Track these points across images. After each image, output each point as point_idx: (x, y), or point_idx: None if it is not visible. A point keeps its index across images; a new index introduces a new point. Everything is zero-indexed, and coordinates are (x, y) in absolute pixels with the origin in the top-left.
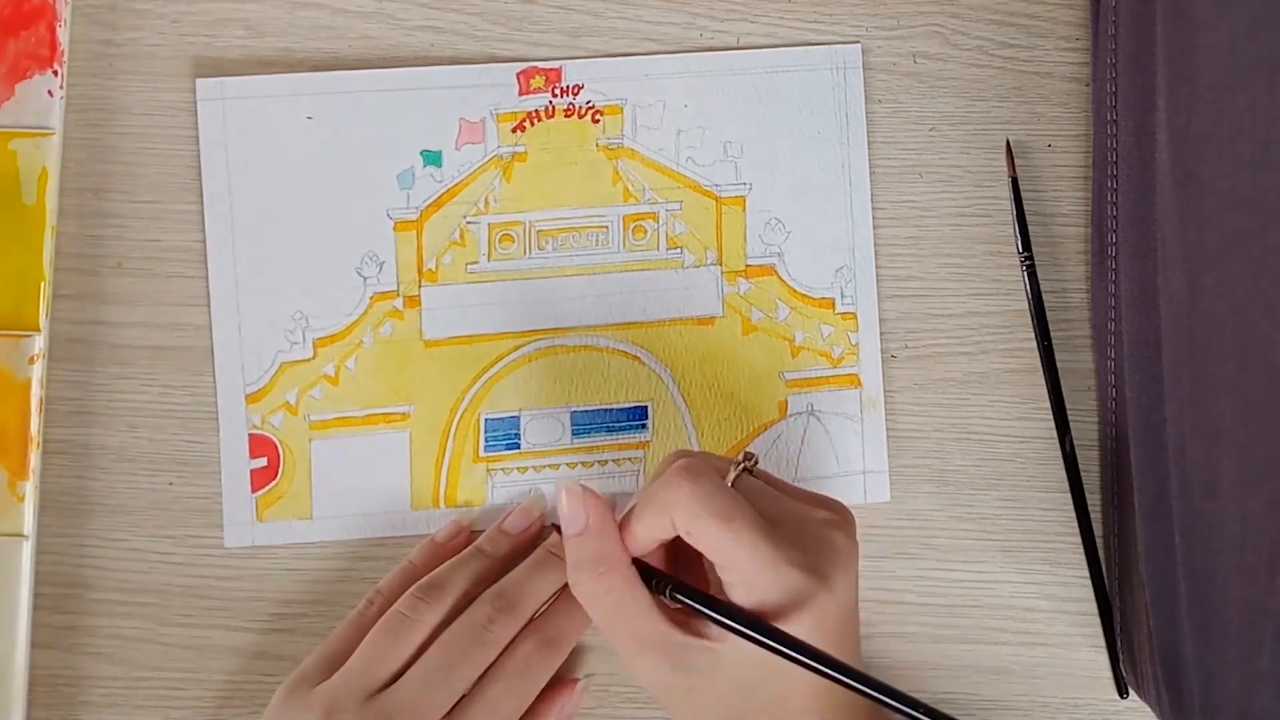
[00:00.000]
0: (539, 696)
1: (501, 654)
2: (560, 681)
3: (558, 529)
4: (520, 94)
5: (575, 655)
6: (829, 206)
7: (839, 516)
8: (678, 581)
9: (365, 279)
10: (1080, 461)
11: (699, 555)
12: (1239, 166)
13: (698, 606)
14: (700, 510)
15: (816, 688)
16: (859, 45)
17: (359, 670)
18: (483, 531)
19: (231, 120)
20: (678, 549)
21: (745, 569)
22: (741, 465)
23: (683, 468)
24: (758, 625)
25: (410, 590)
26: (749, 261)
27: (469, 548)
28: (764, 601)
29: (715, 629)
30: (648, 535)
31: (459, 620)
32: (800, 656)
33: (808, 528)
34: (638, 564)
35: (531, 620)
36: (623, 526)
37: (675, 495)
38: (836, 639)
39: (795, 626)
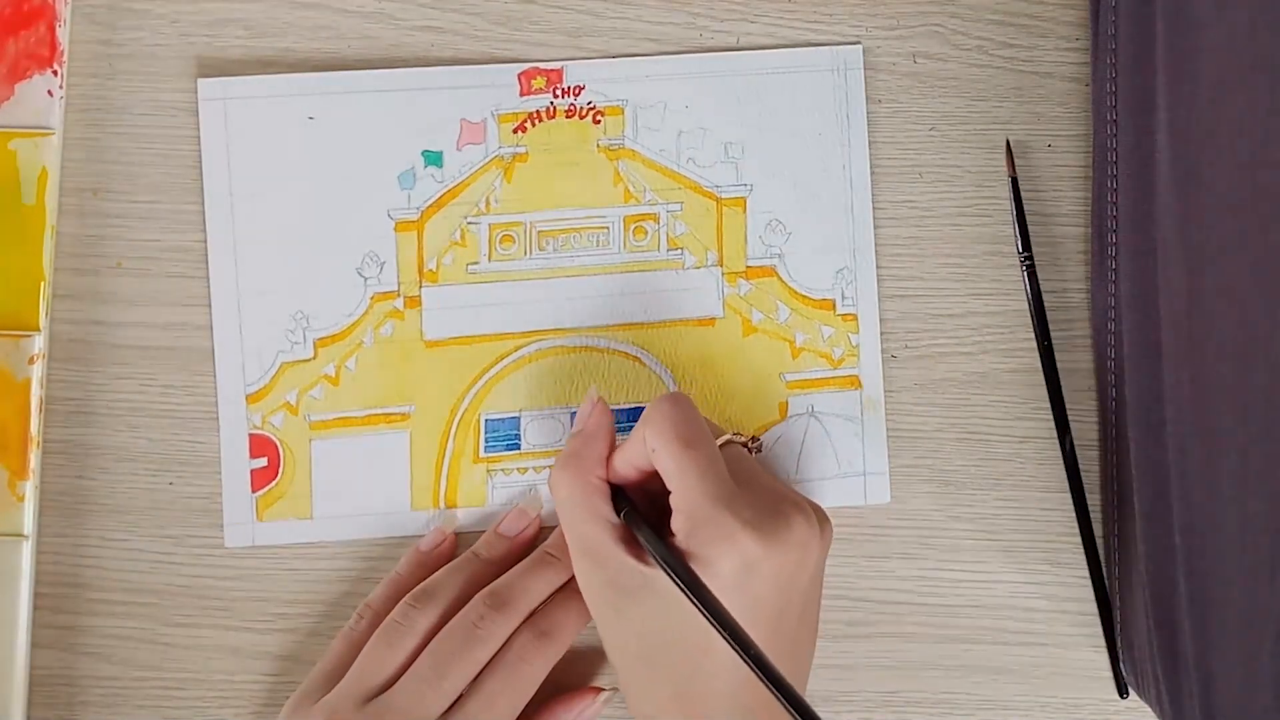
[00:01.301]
0: (557, 699)
1: (499, 651)
2: (583, 688)
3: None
4: (521, 94)
5: (592, 661)
6: (830, 207)
7: (810, 508)
8: (634, 507)
9: (366, 279)
10: (1080, 461)
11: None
12: (1239, 166)
13: (633, 527)
14: (667, 428)
15: (732, 657)
16: (860, 46)
17: (356, 680)
18: (467, 535)
19: (233, 120)
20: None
21: (688, 496)
22: (733, 437)
23: (670, 394)
24: (674, 558)
25: (404, 599)
26: (749, 262)
27: (465, 553)
28: (693, 535)
29: (653, 558)
30: (628, 455)
31: (452, 621)
32: (697, 601)
33: (772, 498)
34: (617, 489)
35: (529, 617)
36: (615, 451)
37: (653, 411)
38: (756, 612)
39: (714, 571)
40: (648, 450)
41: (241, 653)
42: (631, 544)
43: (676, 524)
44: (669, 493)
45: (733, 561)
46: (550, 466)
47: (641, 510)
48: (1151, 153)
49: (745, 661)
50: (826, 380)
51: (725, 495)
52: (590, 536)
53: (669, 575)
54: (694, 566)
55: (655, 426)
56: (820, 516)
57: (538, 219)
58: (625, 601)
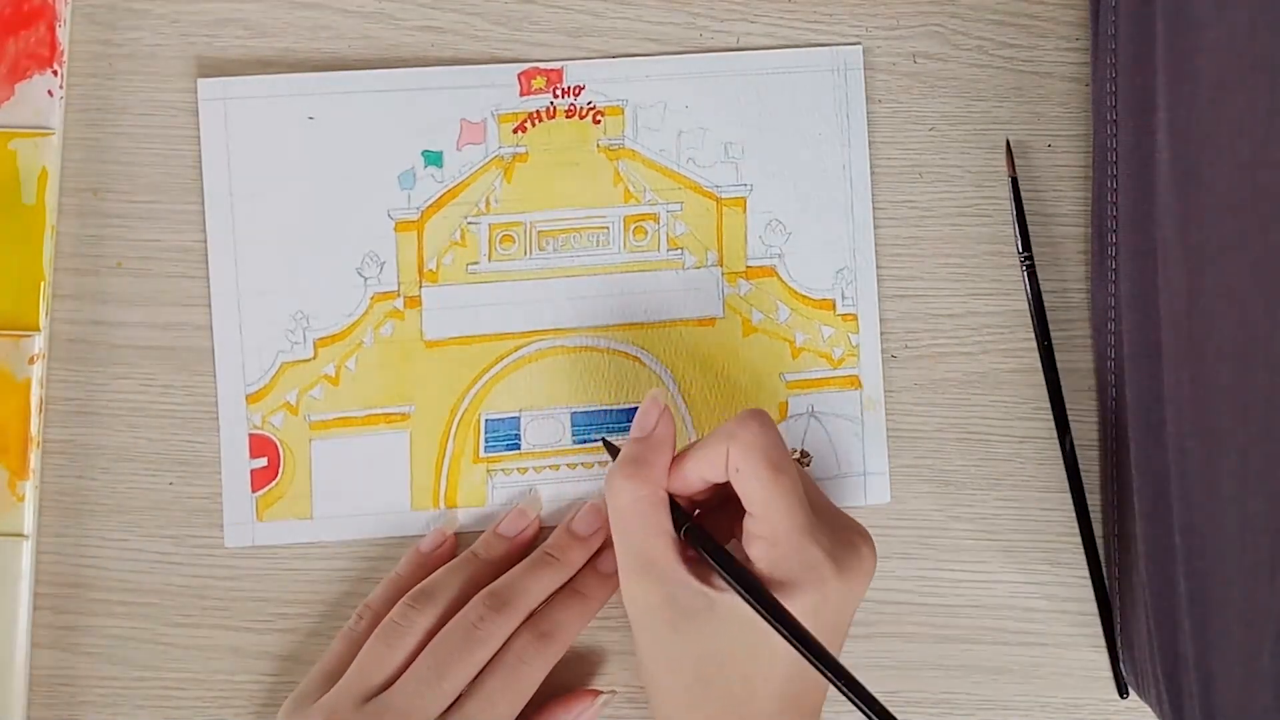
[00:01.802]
0: (556, 700)
1: (498, 651)
2: (581, 690)
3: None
4: (521, 94)
5: (591, 662)
6: (830, 207)
7: (866, 535)
8: (699, 526)
9: (366, 279)
10: (1080, 461)
11: (736, 520)
12: (1239, 166)
13: (708, 556)
14: (758, 450)
15: (785, 679)
16: (860, 46)
17: (355, 680)
18: (467, 535)
19: (233, 120)
20: (717, 516)
21: (776, 524)
22: (797, 453)
23: (755, 411)
24: (759, 589)
25: (403, 599)
26: (749, 263)
27: (464, 553)
28: (778, 564)
29: (720, 580)
30: (701, 467)
31: (451, 621)
32: (787, 632)
33: (839, 525)
34: (674, 501)
35: (529, 618)
36: (678, 460)
37: (741, 429)
38: (824, 636)
39: (796, 602)
40: (728, 468)
41: (241, 653)
42: (693, 562)
43: (758, 550)
44: (719, 505)
45: (813, 592)
46: (551, 466)
47: (689, 511)
48: (1151, 153)
49: (839, 689)
50: (826, 380)
51: (809, 524)
52: (652, 551)
53: (750, 604)
54: (774, 594)
55: (745, 446)
56: (869, 535)
57: (538, 219)
58: (685, 622)
